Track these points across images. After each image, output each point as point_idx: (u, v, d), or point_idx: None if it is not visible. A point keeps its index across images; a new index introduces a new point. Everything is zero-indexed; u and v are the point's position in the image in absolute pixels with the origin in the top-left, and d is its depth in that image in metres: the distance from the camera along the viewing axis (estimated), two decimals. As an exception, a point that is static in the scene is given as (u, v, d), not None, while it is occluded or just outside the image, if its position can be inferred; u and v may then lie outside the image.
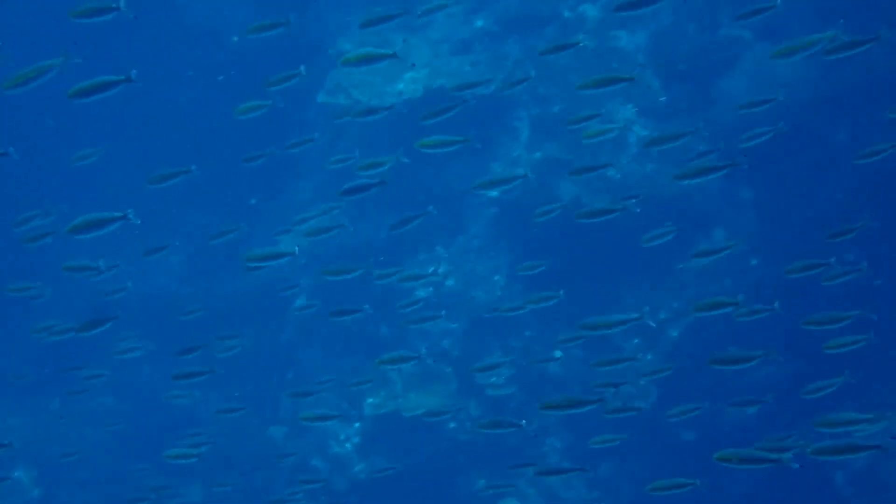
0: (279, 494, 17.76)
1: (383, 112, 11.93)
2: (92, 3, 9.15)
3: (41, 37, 17.63)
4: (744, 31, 16.28)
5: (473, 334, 16.90)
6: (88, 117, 19.26)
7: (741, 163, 10.72)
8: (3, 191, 19.68)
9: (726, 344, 15.01)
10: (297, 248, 11.93)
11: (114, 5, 9.03)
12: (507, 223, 16.91)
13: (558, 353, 16.45)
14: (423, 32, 17.63)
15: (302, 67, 11.24)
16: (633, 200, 11.97)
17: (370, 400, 16.89)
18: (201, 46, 20.35)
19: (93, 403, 20.18)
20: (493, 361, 15.62)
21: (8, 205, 17.55)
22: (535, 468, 12.61)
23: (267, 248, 12.08)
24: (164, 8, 20.17)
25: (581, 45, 11.34)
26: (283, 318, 18.77)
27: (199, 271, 20.35)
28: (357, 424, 17.37)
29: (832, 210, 15.55)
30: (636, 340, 15.72)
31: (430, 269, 13.96)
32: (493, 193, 13.63)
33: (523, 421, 11.25)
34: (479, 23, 17.85)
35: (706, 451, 12.90)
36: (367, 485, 17.12)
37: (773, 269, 15.11)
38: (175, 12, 20.74)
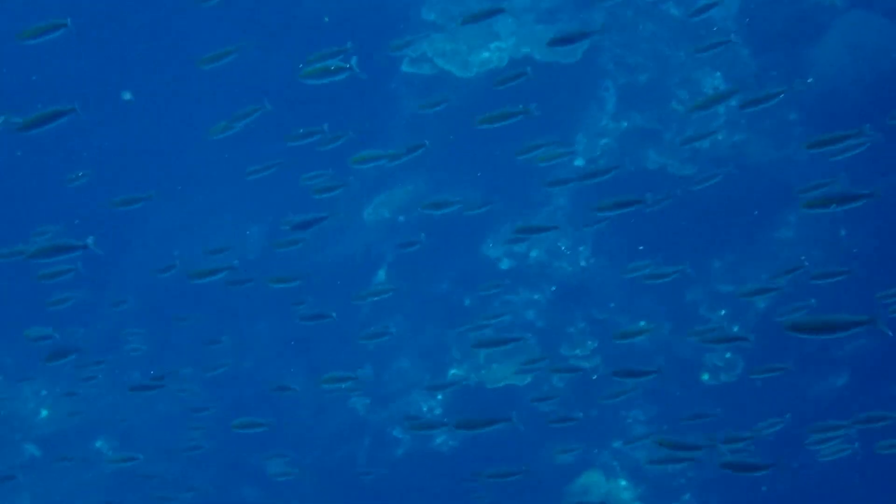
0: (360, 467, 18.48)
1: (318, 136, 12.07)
2: (39, 24, 9.41)
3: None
4: (835, -2, 16.43)
5: (557, 306, 17.27)
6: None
7: (652, 200, 11.22)
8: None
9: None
10: (237, 262, 12.16)
11: (62, 22, 9.26)
12: (593, 194, 17.18)
13: (643, 324, 16.87)
14: (508, 1, 17.94)
15: (267, 103, 11.42)
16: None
17: (453, 371, 17.29)
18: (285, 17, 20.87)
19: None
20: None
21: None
22: (486, 473, 12.74)
23: (210, 264, 12.34)
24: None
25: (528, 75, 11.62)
26: (366, 288, 19.24)
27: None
28: (440, 396, 17.79)
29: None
30: (723, 312, 16.04)
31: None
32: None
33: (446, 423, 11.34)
34: (565, -10, 18.12)
35: (793, 423, 13.36)
36: (449, 456, 17.64)
37: (863, 239, 15.42)
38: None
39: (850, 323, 7.80)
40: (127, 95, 19.25)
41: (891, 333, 14.05)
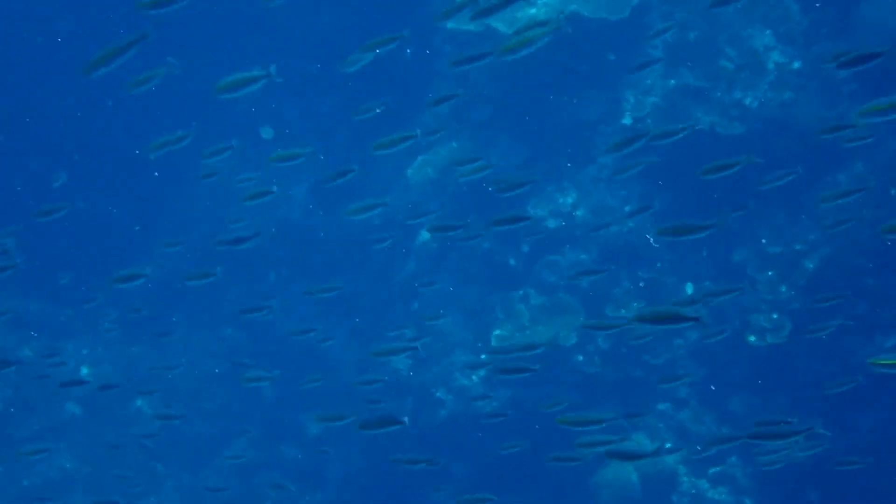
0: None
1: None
2: None
3: None
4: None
5: (603, 266, 17.40)
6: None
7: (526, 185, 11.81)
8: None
9: (863, 276, 15.56)
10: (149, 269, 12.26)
11: None
12: (639, 153, 17.34)
13: (690, 289, 17.12)
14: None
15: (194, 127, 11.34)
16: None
17: (497, 332, 17.44)
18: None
19: (213, 335, 21.39)
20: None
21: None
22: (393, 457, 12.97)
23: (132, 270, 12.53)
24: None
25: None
26: (409, 248, 19.59)
27: (322, 202, 21.30)
28: (483, 356, 18.04)
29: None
30: (770, 273, 16.20)
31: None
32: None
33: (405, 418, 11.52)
34: (613, -55, 18.20)
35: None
36: (491, 418, 17.91)
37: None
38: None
39: (681, 318, 8.84)
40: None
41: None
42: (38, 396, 20.43)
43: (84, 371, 20.80)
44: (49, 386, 20.19)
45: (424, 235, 19.12)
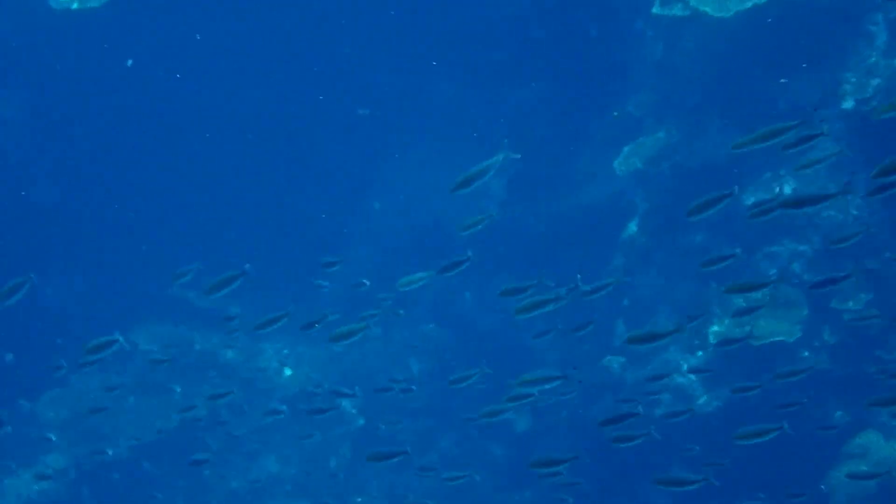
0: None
1: None
2: None
3: None
4: None
5: (825, 256, 16.86)
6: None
7: None
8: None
9: None
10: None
11: None
12: (863, 137, 16.73)
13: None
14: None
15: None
16: None
17: (715, 328, 17.12)
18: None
19: (416, 331, 21.43)
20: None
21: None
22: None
23: None
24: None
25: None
26: (614, 241, 19.23)
27: (521, 194, 21.09)
28: (700, 353, 17.66)
29: None
30: None
31: None
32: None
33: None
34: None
35: None
36: (713, 416, 17.52)
37: None
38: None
39: None
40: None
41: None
42: (245, 398, 20.73)
43: (288, 372, 21.04)
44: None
45: (632, 228, 18.78)
